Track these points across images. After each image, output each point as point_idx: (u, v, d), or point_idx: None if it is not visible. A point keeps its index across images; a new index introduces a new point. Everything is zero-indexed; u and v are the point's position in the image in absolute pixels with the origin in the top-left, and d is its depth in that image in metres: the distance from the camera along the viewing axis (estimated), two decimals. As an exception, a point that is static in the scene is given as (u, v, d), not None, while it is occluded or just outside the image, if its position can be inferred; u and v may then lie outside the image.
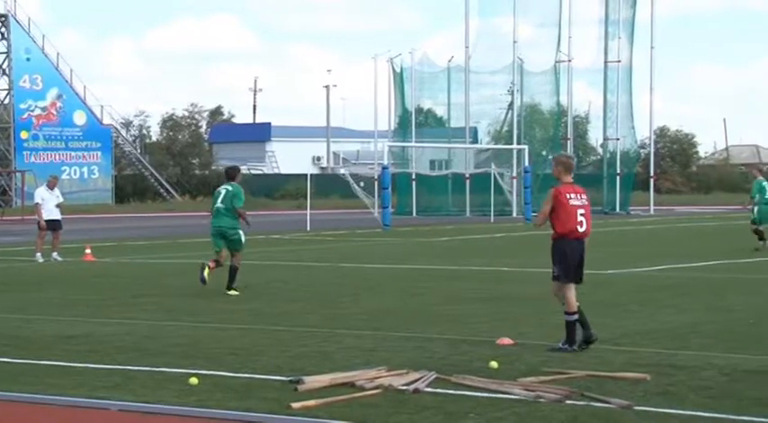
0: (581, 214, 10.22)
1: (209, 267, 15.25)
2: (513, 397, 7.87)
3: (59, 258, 22.69)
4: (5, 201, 62.08)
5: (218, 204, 15.50)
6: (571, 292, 10.23)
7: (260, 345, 10.51)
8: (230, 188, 15.61)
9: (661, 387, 8.26)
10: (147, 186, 68.31)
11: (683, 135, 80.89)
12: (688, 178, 76.08)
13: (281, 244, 28.51)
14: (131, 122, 74.18)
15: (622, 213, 49.84)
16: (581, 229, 10.22)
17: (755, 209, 23.47)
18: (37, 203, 23.30)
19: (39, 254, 22.82)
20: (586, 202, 10.37)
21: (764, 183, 23.48)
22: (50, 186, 23.48)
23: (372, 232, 34.91)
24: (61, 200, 23.56)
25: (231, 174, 15.99)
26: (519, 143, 50.19)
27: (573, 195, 10.22)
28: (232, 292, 15.22)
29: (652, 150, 56.50)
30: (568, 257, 10.21)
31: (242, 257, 15.88)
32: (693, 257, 21.64)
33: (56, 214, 22.97)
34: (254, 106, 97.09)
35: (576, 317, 10.05)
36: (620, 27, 53.22)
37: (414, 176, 51.06)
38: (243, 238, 15.67)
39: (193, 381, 8.43)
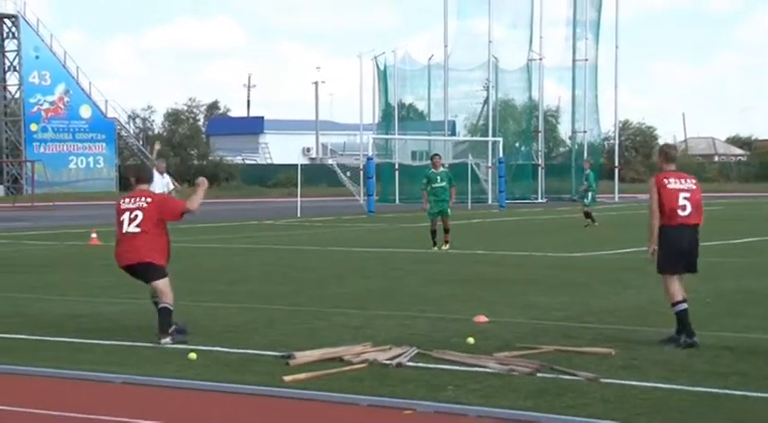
0: (684, 198, 9.10)
1: None
2: (488, 370, 7.90)
3: None
4: (17, 189, 61.82)
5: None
6: (673, 282, 9.14)
7: (254, 323, 10.52)
8: None
9: (625, 361, 8.30)
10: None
11: (646, 128, 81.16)
12: (650, 168, 76.16)
13: (273, 229, 28.49)
14: (137, 116, 73.88)
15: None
16: (682, 214, 9.08)
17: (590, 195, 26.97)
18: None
19: None
20: (694, 187, 9.23)
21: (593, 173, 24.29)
22: (159, 171, 21.29)
23: (358, 218, 34.91)
24: (172, 187, 21.85)
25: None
26: (494, 136, 50.33)
27: (673, 179, 9.17)
28: None
29: (617, 142, 56.71)
30: (669, 245, 9.10)
31: None
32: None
33: None
34: (248, 101, 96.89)
35: (684, 306, 9.00)
36: (587, 28, 53.44)
37: (396, 166, 51.09)
38: None
39: (192, 356, 8.43)
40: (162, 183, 21.14)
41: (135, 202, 9.85)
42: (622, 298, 12.41)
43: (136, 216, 9.76)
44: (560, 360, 8.24)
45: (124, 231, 9.81)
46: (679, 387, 7.33)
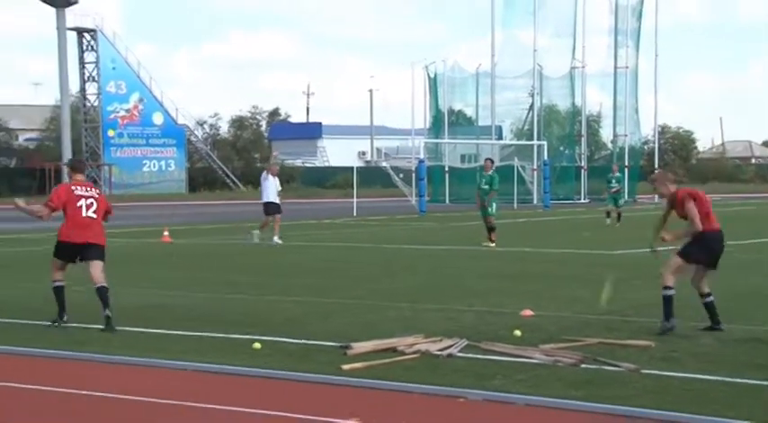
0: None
1: None
2: (534, 361, 7.83)
3: (279, 241, 20.95)
4: (95, 190, 62.67)
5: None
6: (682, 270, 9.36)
7: (313, 315, 10.53)
8: None
9: (664, 353, 8.19)
10: (215, 178, 68.68)
11: (684, 132, 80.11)
12: (688, 170, 75.32)
13: (331, 228, 28.55)
14: (205, 122, 74.55)
15: (630, 201, 49.40)
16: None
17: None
18: (270, 191, 21.44)
19: (276, 237, 21.10)
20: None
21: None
22: (272, 173, 21.67)
23: (410, 217, 34.86)
24: (280, 188, 21.76)
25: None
26: (538, 139, 49.99)
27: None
28: None
29: (656, 145, 56.07)
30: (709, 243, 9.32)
31: None
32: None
33: (276, 199, 21.38)
34: (308, 108, 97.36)
35: (672, 292, 9.20)
36: (628, 36, 52.87)
37: (446, 169, 50.97)
38: None
39: (256, 346, 8.46)
40: (275, 183, 21.45)
41: (88, 191, 10.46)
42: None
43: (92, 204, 10.37)
44: (603, 352, 8.14)
45: (84, 215, 10.29)
46: (717, 378, 7.21)
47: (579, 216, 35.45)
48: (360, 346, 8.32)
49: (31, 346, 8.76)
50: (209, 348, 8.58)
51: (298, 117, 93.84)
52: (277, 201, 21.48)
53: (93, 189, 10.60)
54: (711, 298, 9.30)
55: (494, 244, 20.28)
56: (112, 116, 64.10)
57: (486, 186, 20.83)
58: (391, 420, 6.11)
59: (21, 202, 10.59)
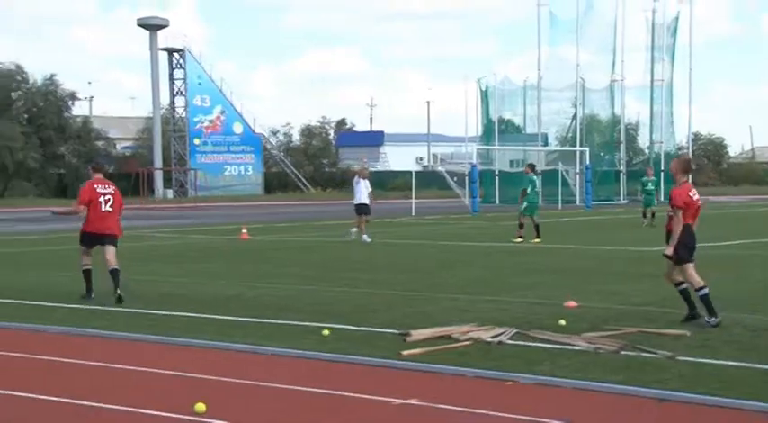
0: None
1: None
2: (577, 348, 7.73)
3: (360, 238, 20.73)
4: (183, 192, 63.51)
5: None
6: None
7: (376, 305, 10.53)
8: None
9: (699, 341, 8.02)
10: (288, 181, 69.19)
11: (716, 138, 78.63)
12: (720, 174, 73.86)
13: (392, 226, 28.54)
14: (278, 131, 75.16)
15: (665, 202, 48.68)
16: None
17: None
18: (362, 192, 21.38)
19: (360, 233, 20.97)
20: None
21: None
22: (362, 176, 21.68)
23: (463, 217, 34.72)
24: (369, 189, 21.52)
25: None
26: (581, 146, 49.51)
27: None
28: None
29: (690, 151, 55.11)
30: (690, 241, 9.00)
31: None
32: (722, 238, 21.00)
33: (366, 200, 21.23)
34: (371, 118, 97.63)
35: (707, 290, 8.86)
36: (664, 52, 52.13)
37: (496, 173, 50.66)
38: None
39: (325, 332, 8.48)
40: (366, 184, 21.50)
41: (106, 189, 11.39)
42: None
43: (109, 199, 11.34)
44: (642, 340, 8.00)
45: (103, 209, 11.25)
46: (749, 364, 7.03)
47: (618, 216, 34.96)
48: (418, 334, 8.29)
49: (128, 331, 8.90)
50: (282, 334, 8.61)
51: (362, 126, 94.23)
52: (367, 202, 21.44)
53: (110, 186, 11.45)
54: (686, 285, 9.04)
55: (520, 240, 20.21)
56: (198, 126, 64.95)
57: (524, 187, 21.13)
58: (446, 401, 6.07)
59: (59, 209, 11.66)
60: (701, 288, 8.90)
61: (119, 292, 10.68)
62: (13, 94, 63.00)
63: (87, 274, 11.21)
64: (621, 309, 9.98)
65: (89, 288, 11.14)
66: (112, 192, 11.39)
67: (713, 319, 8.74)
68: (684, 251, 8.94)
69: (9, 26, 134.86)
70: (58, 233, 24.78)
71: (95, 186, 11.32)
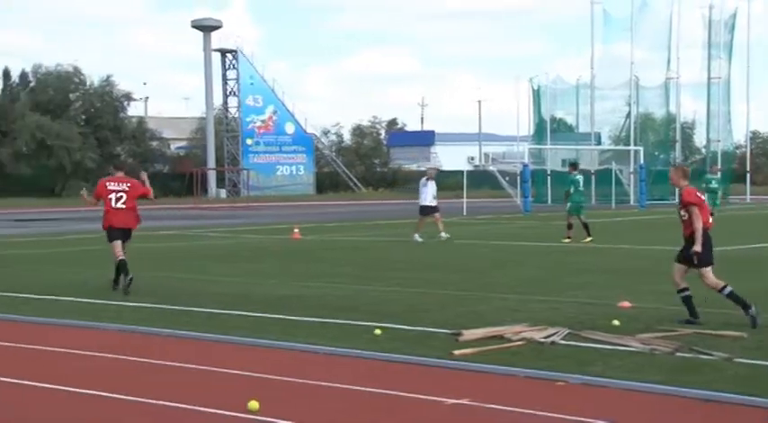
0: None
1: None
2: (632, 349, 7.68)
3: (419, 239, 20.72)
4: (235, 192, 64.11)
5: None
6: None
7: (429, 305, 10.55)
8: None
9: (756, 343, 7.92)
10: (340, 181, 69.44)
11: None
12: (779, 173, 72.34)
13: (444, 226, 28.44)
14: (329, 131, 75.52)
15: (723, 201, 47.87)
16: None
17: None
18: (426, 191, 21.44)
19: (416, 235, 21.09)
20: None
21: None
22: (430, 177, 21.66)
23: (515, 217, 34.54)
24: (435, 190, 21.57)
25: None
26: (635, 145, 48.89)
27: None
28: None
29: (748, 150, 54.16)
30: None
31: None
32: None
33: (433, 202, 21.34)
34: (422, 117, 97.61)
35: (730, 287, 8.99)
36: (721, 49, 51.22)
37: (549, 172, 50.25)
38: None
39: (377, 332, 8.52)
40: (433, 186, 21.54)
41: (119, 186, 12.09)
42: (750, 286, 11.78)
43: (121, 196, 12.02)
44: (697, 341, 7.92)
45: (113, 206, 11.99)
46: (807, 368, 6.92)
47: (672, 215, 34.43)
48: (470, 334, 8.30)
49: (180, 329, 9.06)
50: (333, 333, 8.68)
51: (413, 126, 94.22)
52: (434, 203, 21.48)
53: (124, 183, 12.12)
54: (690, 293, 9.13)
55: (568, 240, 20.09)
56: (250, 126, 65.55)
57: (571, 188, 21.15)
58: (498, 401, 6.08)
59: (85, 193, 12.50)
60: (724, 287, 8.93)
61: (128, 279, 11.63)
62: (71, 95, 64.29)
63: (123, 264, 11.88)
64: (676, 309, 9.86)
65: (117, 280, 11.94)
66: (126, 189, 12.08)
67: (752, 308, 8.76)
68: (708, 253, 9.00)
69: (67, 29, 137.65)
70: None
71: (107, 184, 12.15)
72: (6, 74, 64.02)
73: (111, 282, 12.08)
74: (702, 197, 9.26)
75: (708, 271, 9.07)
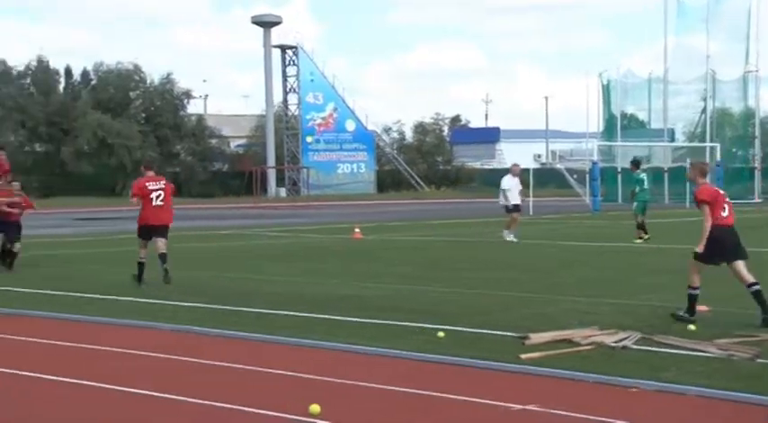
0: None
1: None
2: (708, 355, 7.48)
3: (514, 239, 20.56)
4: (296, 191, 64.59)
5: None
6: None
7: (493, 306, 10.46)
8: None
9: (843, 351, 7.64)
10: (401, 179, 69.46)
11: None
12: None
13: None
14: (390, 128, 75.61)
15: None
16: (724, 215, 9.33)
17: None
18: (503, 190, 21.30)
19: (506, 231, 20.92)
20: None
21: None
22: (515, 174, 21.37)
23: (583, 216, 34.14)
24: (520, 187, 21.40)
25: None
26: (711, 141, 47.93)
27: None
28: None
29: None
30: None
31: None
32: None
33: (517, 200, 21.10)
34: (486, 114, 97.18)
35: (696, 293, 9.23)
36: (804, 40, 49.96)
37: (619, 170, 49.52)
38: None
39: (440, 334, 8.46)
40: (515, 182, 21.30)
41: (156, 185, 13.09)
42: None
43: (160, 194, 13.01)
44: (779, 348, 7.68)
45: (154, 204, 12.96)
46: None
47: (752, 215, 33.66)
48: (537, 337, 8.19)
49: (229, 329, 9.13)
50: (390, 334, 8.64)
51: (477, 123, 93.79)
52: (518, 201, 21.22)
53: (160, 182, 13.15)
54: (759, 287, 9.09)
55: (640, 241, 19.79)
56: (310, 124, 65.99)
57: (636, 187, 20.92)
58: (567, 407, 5.98)
59: (134, 200, 13.27)
60: (695, 288, 9.16)
61: (165, 266, 12.71)
62: (131, 93, 65.56)
63: (141, 266, 12.89)
64: (756, 314, 9.60)
65: (140, 278, 12.79)
66: (163, 187, 13.09)
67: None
68: (713, 250, 9.11)
69: (127, 27, 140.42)
70: (185, 231, 25.63)
71: (147, 183, 13.05)
72: (68, 72, 65.55)
73: (134, 278, 12.84)
74: (720, 195, 9.32)
75: (694, 265, 9.27)
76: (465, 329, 8.85)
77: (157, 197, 13.02)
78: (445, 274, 13.97)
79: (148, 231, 13.08)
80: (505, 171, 23.08)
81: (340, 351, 8.00)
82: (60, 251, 19.63)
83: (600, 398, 6.32)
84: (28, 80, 63.17)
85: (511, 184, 21.20)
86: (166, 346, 8.29)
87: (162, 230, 13.15)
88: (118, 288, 12.46)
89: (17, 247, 15.24)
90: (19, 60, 71.79)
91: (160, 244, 13.00)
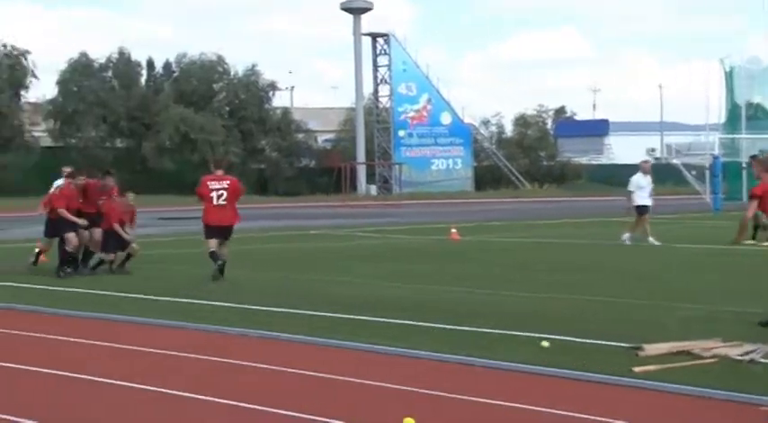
0: None
1: None
2: None
3: (656, 243, 20.10)
4: (387, 188, 64.84)
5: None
6: None
7: (600, 314, 10.25)
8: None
9: None
10: (501, 175, 69.03)
11: None
12: None
13: (619, 226, 27.74)
14: (488, 121, 75.22)
15: None
16: None
17: None
18: (632, 190, 20.94)
19: (627, 235, 20.64)
20: None
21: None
22: (645, 171, 21.08)
23: (703, 216, 33.27)
24: (651, 186, 21.18)
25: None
26: None
27: None
28: None
29: None
30: None
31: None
32: None
33: (648, 200, 20.81)
34: (594, 104, 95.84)
35: None
36: None
37: (743, 165, 48.11)
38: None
39: (544, 344, 8.32)
40: (646, 181, 21.00)
41: (219, 184, 13.76)
42: None
43: (222, 194, 13.66)
44: None
45: (215, 203, 13.61)
46: None
47: None
48: (652, 348, 7.97)
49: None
50: (495, 343, 8.54)
51: (584, 114, 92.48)
52: (649, 202, 20.88)
53: (224, 181, 13.80)
54: None
55: (767, 243, 19.13)
56: (403, 117, 66.11)
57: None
58: (687, 426, 5.79)
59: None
60: None
61: (219, 263, 13.53)
62: (214, 85, 66.57)
63: (214, 255, 13.67)
64: None
65: (217, 263, 13.61)
66: (226, 186, 13.74)
67: None
68: None
69: (210, 16, 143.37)
70: (270, 231, 25.99)
71: (208, 183, 13.77)
72: (150, 64, 67.01)
73: (215, 272, 13.64)
74: None
75: None
76: (570, 338, 8.68)
77: (219, 196, 13.62)
78: (547, 277, 13.80)
79: (211, 232, 13.78)
80: (616, 167, 22.63)
81: (436, 361, 7.93)
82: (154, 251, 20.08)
83: (725, 416, 6.13)
84: (109, 73, 64.69)
85: (642, 183, 20.80)
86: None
87: (224, 231, 13.83)
88: (215, 293, 12.69)
89: (132, 246, 15.61)
90: (100, 52, 73.47)
91: (222, 251, 13.82)
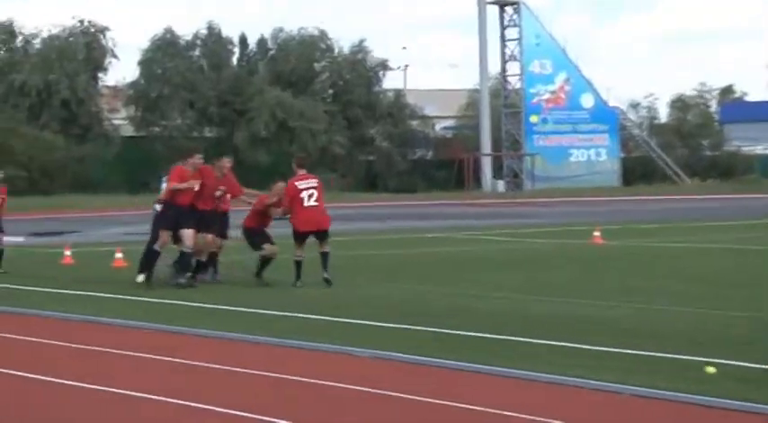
0: None
1: None
2: None
3: None
4: (517, 184, 64.43)
5: None
6: None
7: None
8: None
9: None
10: (654, 168, 67.75)
11: None
12: None
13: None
14: (639, 104, 74.01)
15: None
16: None
17: None
18: None
19: None
20: None
21: None
22: None
23: None
24: None
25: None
26: None
27: None
28: None
29: None
30: None
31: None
32: None
33: None
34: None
35: None
36: None
37: None
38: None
39: (710, 370, 8.22)
40: None
41: (308, 184, 14.41)
42: None
43: (312, 194, 14.26)
44: None
45: (306, 205, 14.17)
46: None
47: None
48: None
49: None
50: (651, 368, 8.52)
51: (756, 95, 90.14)
52: None
53: (313, 180, 14.52)
54: None
55: None
56: (536, 99, 65.54)
57: None
58: None
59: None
60: None
61: (325, 275, 14.23)
62: (316, 65, 66.95)
63: (299, 265, 14.32)
64: None
65: (298, 276, 14.30)
66: (315, 185, 14.46)
67: None
68: None
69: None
70: (377, 234, 26.24)
71: (296, 183, 14.36)
72: (243, 41, 67.55)
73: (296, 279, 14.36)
74: None
75: None
76: (737, 363, 8.57)
77: (309, 197, 14.26)
78: (717, 291, 13.64)
79: (304, 235, 14.44)
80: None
81: (566, 386, 7.92)
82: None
83: None
84: (197, 52, 65.75)
85: None
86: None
87: (322, 235, 14.53)
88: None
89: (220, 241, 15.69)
90: (187, 29, 75.08)
91: (324, 245, 14.48)
